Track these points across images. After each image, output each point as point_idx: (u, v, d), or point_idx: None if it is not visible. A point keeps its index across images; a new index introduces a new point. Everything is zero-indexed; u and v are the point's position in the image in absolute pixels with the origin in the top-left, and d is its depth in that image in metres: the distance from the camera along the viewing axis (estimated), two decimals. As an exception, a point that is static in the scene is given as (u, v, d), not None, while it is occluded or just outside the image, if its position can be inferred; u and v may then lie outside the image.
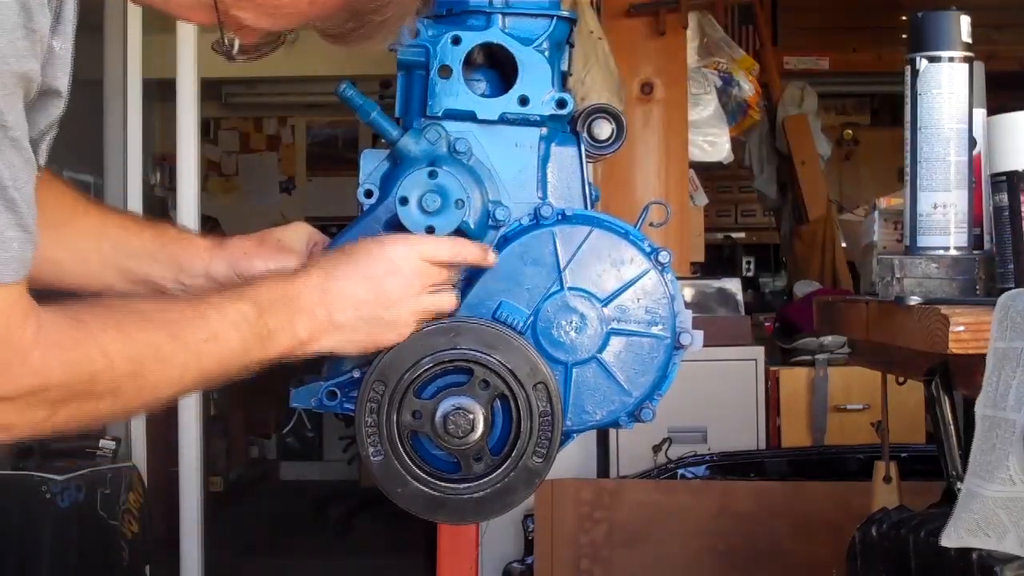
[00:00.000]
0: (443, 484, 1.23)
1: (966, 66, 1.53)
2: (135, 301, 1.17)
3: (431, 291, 1.22)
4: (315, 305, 1.16)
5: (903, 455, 2.62)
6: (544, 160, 1.29)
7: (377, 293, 1.18)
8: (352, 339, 1.19)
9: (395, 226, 1.23)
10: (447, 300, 1.23)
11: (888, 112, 7.61)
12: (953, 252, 1.53)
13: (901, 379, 1.83)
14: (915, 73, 1.53)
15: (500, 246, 1.26)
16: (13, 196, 0.90)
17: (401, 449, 1.22)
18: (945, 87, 1.52)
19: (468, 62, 1.27)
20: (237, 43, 1.09)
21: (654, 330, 1.27)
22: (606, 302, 1.26)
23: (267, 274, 1.23)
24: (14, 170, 0.90)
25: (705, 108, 3.98)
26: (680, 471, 3.18)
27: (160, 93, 4.64)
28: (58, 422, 1.00)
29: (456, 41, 1.26)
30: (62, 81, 0.96)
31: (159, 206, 5.73)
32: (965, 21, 1.53)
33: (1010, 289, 1.36)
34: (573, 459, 3.19)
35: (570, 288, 1.26)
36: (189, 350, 1.08)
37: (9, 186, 0.90)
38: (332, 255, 1.22)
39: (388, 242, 1.21)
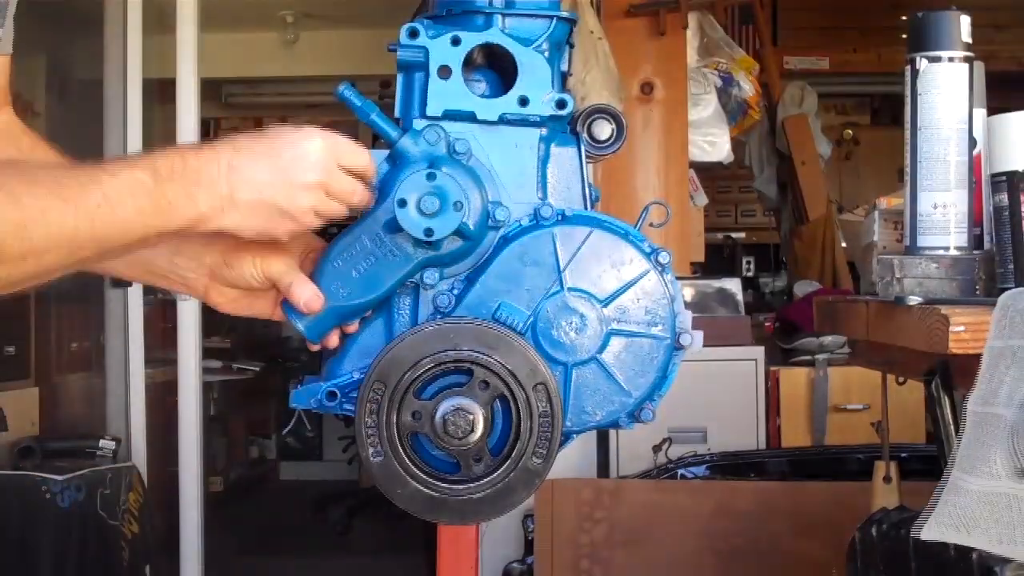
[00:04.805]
0: (443, 485, 1.22)
1: (966, 66, 1.53)
2: (26, 164, 1.15)
3: (334, 193, 1.20)
4: (218, 181, 1.14)
5: (903, 455, 2.63)
6: (544, 161, 1.28)
7: (282, 180, 1.17)
8: (250, 222, 1.17)
9: (394, 227, 1.23)
10: (356, 196, 1.21)
11: (888, 112, 7.61)
12: (953, 252, 1.53)
13: (901, 379, 1.83)
14: (915, 73, 1.53)
15: (500, 247, 1.26)
16: None
17: (401, 450, 1.22)
18: (945, 87, 1.52)
19: (468, 62, 1.26)
20: None
21: (654, 331, 1.27)
22: (606, 303, 1.26)
23: (174, 146, 1.20)
24: None
25: (705, 108, 3.98)
26: (680, 471, 3.18)
27: (160, 93, 4.64)
28: None
29: (456, 41, 1.25)
30: None
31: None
32: (965, 21, 1.54)
33: (1010, 289, 1.36)
34: (573, 459, 3.19)
35: (570, 289, 1.26)
36: (80, 214, 1.04)
37: None
38: (248, 135, 1.19)
39: (306, 133, 1.19)
